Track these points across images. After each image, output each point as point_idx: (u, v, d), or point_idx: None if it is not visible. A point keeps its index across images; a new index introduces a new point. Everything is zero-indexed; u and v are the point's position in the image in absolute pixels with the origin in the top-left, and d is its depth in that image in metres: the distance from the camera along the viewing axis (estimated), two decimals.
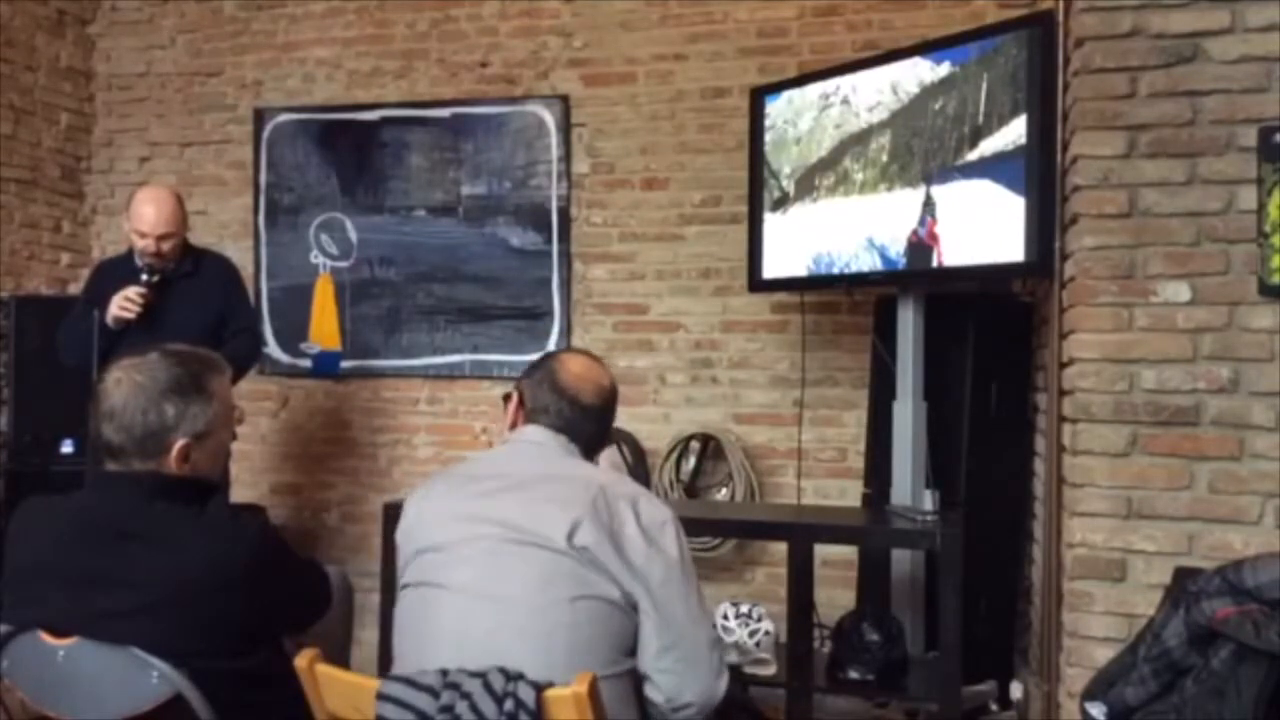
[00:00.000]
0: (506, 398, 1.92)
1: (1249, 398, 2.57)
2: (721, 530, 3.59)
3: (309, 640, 1.77)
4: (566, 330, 4.26)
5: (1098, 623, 2.67)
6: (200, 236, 4.15)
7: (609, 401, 1.90)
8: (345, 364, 4.51)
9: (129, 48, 4.80)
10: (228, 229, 4.65)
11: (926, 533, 2.67)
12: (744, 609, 3.03)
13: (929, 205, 3.14)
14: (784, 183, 3.61)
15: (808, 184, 3.53)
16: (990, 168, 2.97)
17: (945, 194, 3.09)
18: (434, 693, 1.50)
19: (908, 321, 3.29)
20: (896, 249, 3.24)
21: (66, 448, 4.07)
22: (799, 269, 3.57)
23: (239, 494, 4.08)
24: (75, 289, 4.43)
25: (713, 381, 4.13)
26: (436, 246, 4.40)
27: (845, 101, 3.41)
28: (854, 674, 2.78)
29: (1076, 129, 2.73)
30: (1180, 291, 2.62)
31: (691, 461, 4.05)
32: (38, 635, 1.69)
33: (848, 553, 3.80)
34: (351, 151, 4.49)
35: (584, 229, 4.26)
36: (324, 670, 1.60)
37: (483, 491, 1.74)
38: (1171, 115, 2.64)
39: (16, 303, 4.20)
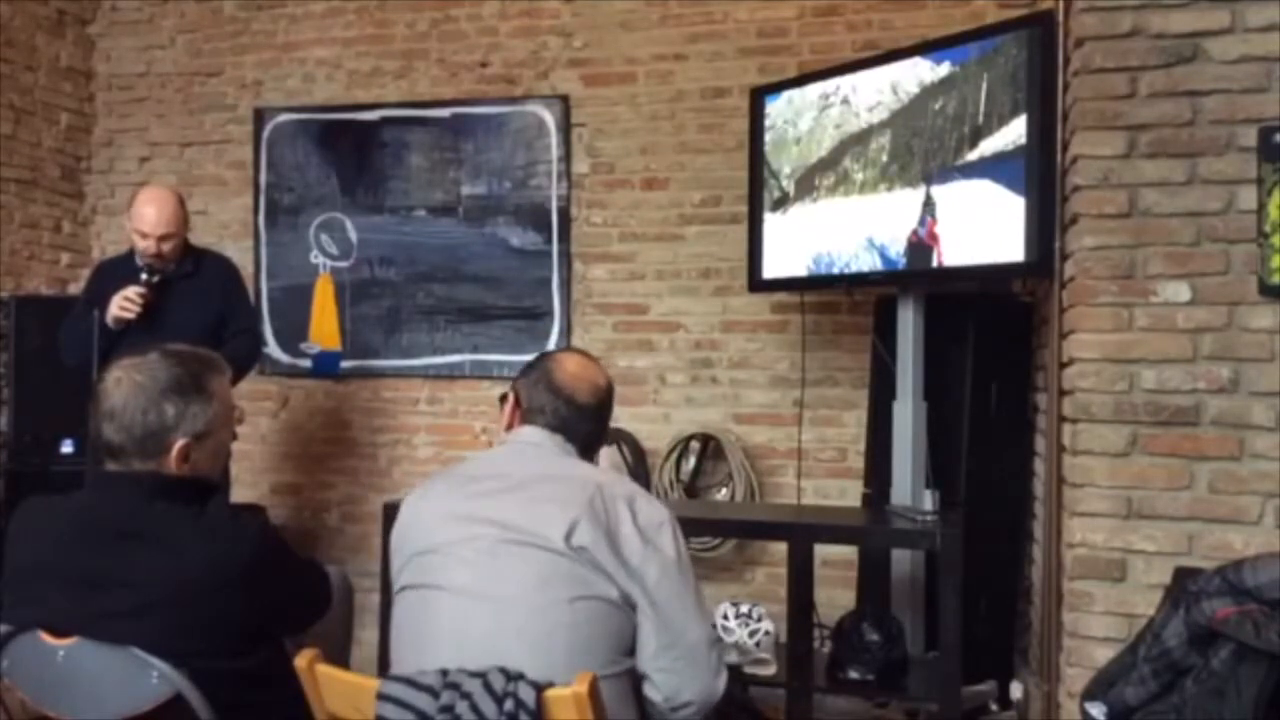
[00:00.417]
0: (503, 398, 1.92)
1: (1249, 398, 2.57)
2: (721, 530, 3.59)
3: (309, 640, 1.77)
4: (566, 330, 4.26)
5: (1098, 623, 2.67)
6: (200, 236, 4.15)
7: (605, 400, 1.90)
8: (345, 364, 4.51)
9: (129, 48, 4.80)
10: (228, 229, 4.65)
11: (926, 533, 2.67)
12: (744, 609, 3.03)
13: (929, 205, 3.14)
14: (784, 183, 3.61)
15: (808, 184, 3.53)
16: (990, 168, 2.97)
17: (945, 194, 3.09)
18: (434, 693, 1.50)
19: (908, 321, 3.29)
20: (896, 249, 3.24)
21: (66, 448, 4.07)
22: (799, 269, 3.57)
23: (239, 494, 4.08)
24: (75, 289, 4.43)
25: (713, 381, 4.13)
26: (436, 246, 4.40)
27: (845, 101, 3.41)
28: (854, 674, 2.78)
29: (1076, 129, 2.73)
30: (1180, 291, 2.62)
31: (691, 461, 4.05)
32: (38, 635, 1.69)
33: (848, 553, 3.80)
34: (351, 151, 4.49)
35: (584, 229, 4.26)
36: (324, 670, 1.60)
37: (480, 492, 1.74)
38: (1171, 115, 2.64)
39: (16, 303, 4.20)
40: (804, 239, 3.54)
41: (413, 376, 4.46)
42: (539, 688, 1.48)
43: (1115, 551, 2.66)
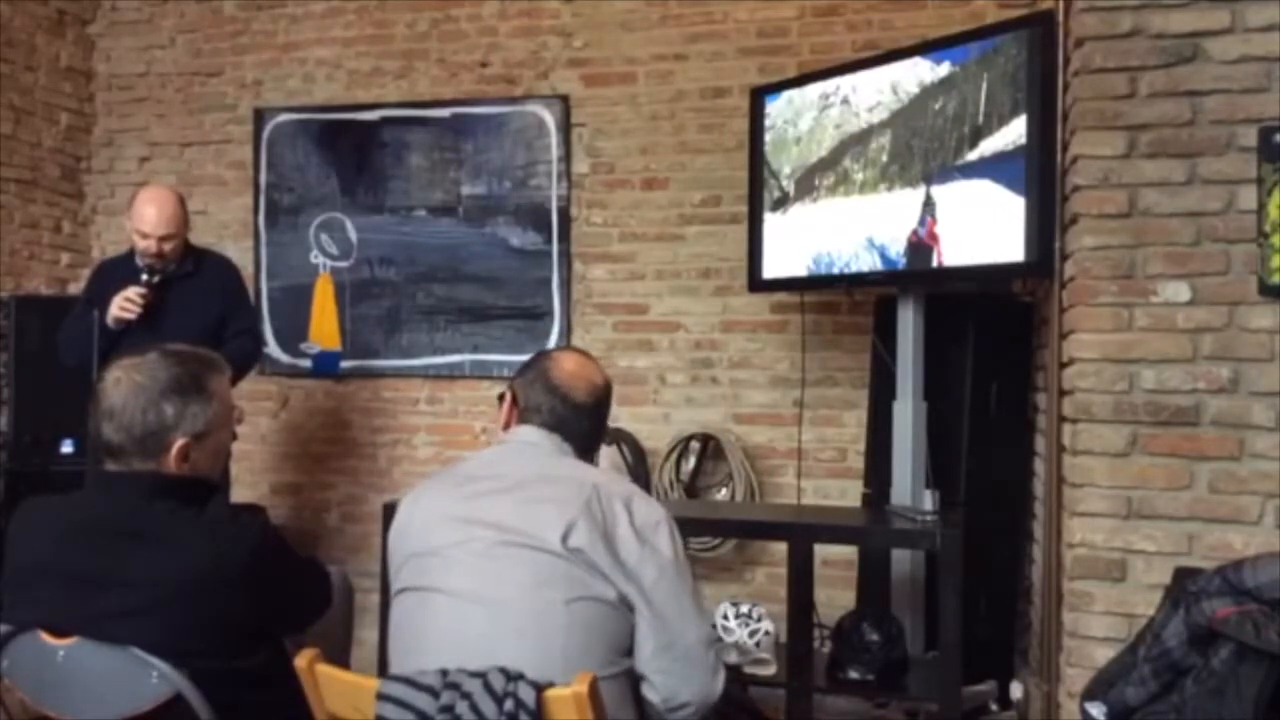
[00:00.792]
0: (501, 397, 1.91)
1: (1249, 398, 2.57)
2: (721, 530, 3.59)
3: (309, 640, 1.77)
4: (566, 330, 4.26)
5: (1098, 623, 2.67)
6: (200, 236, 4.14)
7: (602, 399, 1.88)
8: (345, 364, 4.51)
9: (129, 48, 4.80)
10: (228, 229, 4.65)
11: (926, 533, 2.67)
12: (744, 609, 3.04)
13: (929, 205, 3.14)
14: (784, 183, 3.61)
15: (808, 184, 3.53)
16: (990, 168, 2.97)
17: (945, 194, 3.09)
18: (434, 693, 1.50)
19: (908, 321, 3.29)
20: (896, 249, 3.24)
21: (66, 448, 4.07)
22: (799, 269, 3.57)
23: (239, 494, 4.08)
24: (75, 289, 4.43)
25: (713, 381, 4.13)
26: (436, 246, 4.40)
27: (845, 101, 3.41)
28: (854, 674, 2.78)
29: (1076, 129, 2.73)
30: (1180, 291, 2.62)
31: (691, 461, 4.06)
32: (38, 635, 1.69)
33: (848, 553, 3.80)
34: (351, 151, 4.49)
35: (584, 229, 4.27)
36: (324, 670, 1.60)
37: (477, 493, 1.73)
38: (1171, 115, 2.64)
39: (16, 303, 4.20)
40: (804, 239, 3.54)
41: (413, 376, 4.46)
42: (539, 688, 1.48)
43: (1115, 551, 2.66)
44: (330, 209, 4.52)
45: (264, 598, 1.69)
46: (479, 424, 4.38)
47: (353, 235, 4.50)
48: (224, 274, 3.60)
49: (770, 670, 2.87)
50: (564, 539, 1.61)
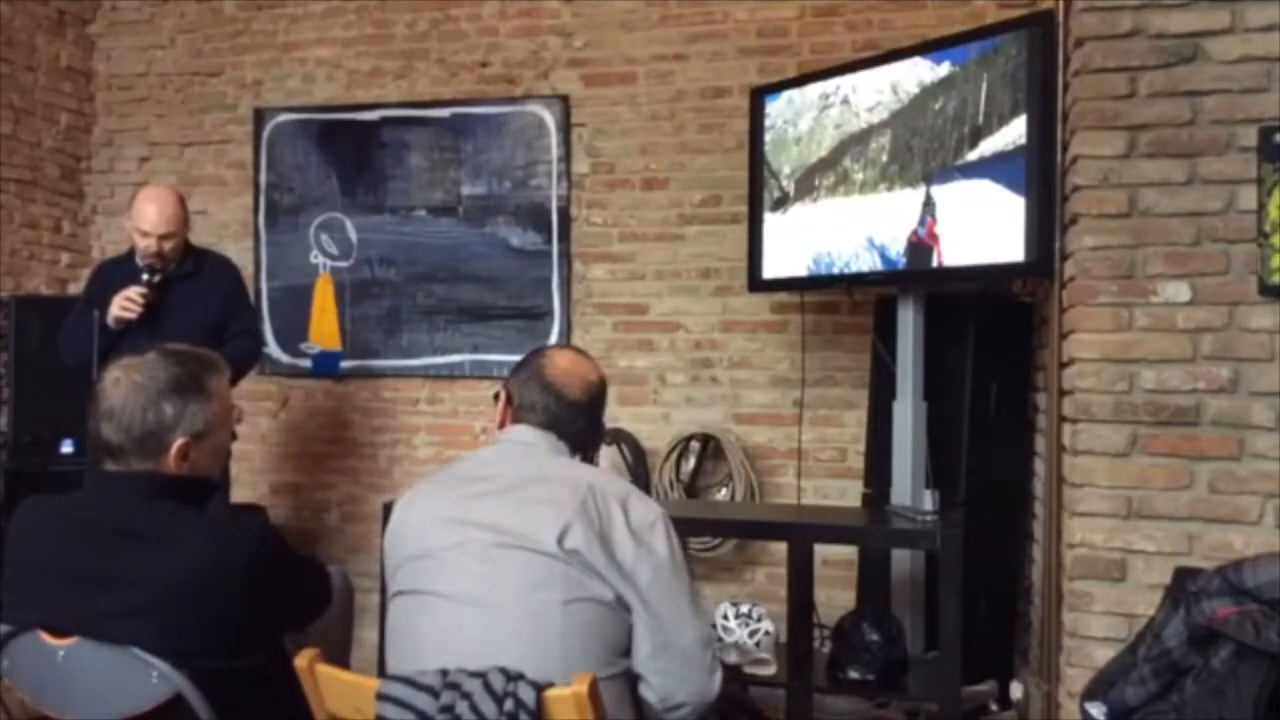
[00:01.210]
0: (496, 396, 1.90)
1: (1249, 398, 2.57)
2: (721, 530, 3.59)
3: (309, 640, 1.77)
4: (566, 330, 4.26)
5: (1098, 623, 2.67)
6: (200, 236, 4.14)
7: (597, 397, 1.87)
8: (345, 364, 4.51)
9: (129, 48, 4.80)
10: (228, 229, 4.65)
11: (926, 533, 2.67)
12: (744, 609, 3.03)
13: (929, 205, 3.14)
14: (784, 183, 3.61)
15: (808, 184, 3.53)
16: (990, 168, 2.97)
17: (945, 194, 3.09)
18: (434, 693, 1.50)
19: (908, 321, 3.29)
20: (896, 249, 3.24)
21: (66, 448, 4.07)
22: (799, 269, 3.57)
23: (239, 494, 4.08)
24: (75, 289, 4.43)
25: (713, 381, 4.13)
26: (436, 246, 4.40)
27: (845, 101, 3.41)
28: (854, 674, 2.78)
29: (1076, 129, 2.73)
30: (1180, 291, 2.62)
31: (691, 461, 4.05)
32: (38, 635, 1.69)
33: (848, 553, 3.80)
34: (351, 151, 4.49)
35: (584, 229, 4.27)
36: (324, 670, 1.60)
37: (473, 495, 1.72)
38: (1171, 115, 2.64)
39: (16, 303, 4.20)
40: (804, 239, 3.54)
41: (412, 376, 4.46)
42: (539, 687, 1.48)
43: (1115, 551, 2.66)
44: (330, 209, 4.52)
45: (264, 597, 1.69)
46: (479, 424, 4.38)
47: (353, 235, 4.50)
48: (224, 274, 3.60)
49: (770, 670, 2.87)
50: (560, 540, 1.60)
